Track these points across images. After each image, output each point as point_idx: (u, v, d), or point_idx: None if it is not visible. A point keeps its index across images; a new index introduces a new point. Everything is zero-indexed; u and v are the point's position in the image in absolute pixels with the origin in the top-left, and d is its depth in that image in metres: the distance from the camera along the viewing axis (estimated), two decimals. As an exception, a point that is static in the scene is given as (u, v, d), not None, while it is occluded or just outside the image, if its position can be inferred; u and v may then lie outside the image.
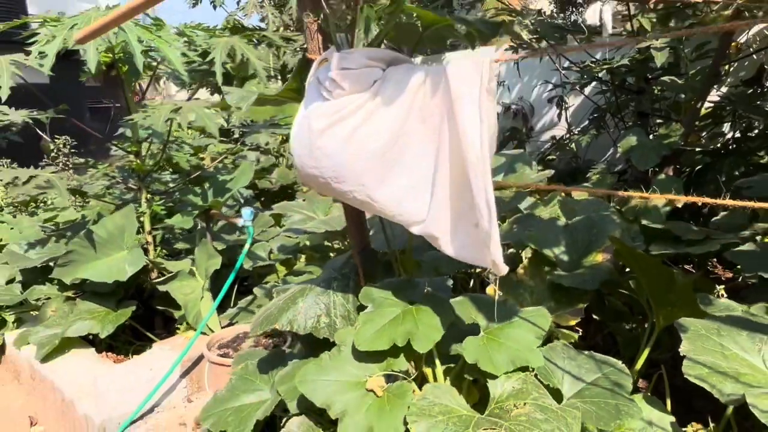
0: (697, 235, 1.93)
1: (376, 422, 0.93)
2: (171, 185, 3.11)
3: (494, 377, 0.98)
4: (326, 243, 2.81)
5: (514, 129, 5.50)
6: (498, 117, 5.55)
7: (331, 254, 2.71)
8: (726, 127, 3.37)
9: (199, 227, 2.96)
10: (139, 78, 2.86)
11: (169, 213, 3.06)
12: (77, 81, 3.02)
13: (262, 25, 6.85)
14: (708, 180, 2.68)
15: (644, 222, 2.12)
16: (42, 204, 5.11)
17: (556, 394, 1.05)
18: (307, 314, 1.19)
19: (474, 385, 1.06)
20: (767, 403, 0.94)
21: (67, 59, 2.88)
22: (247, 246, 2.23)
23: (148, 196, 3.15)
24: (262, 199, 4.26)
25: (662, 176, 2.78)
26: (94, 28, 2.01)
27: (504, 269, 0.86)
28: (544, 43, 3.31)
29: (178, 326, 2.92)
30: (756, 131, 3.08)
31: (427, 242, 1.13)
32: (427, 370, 1.11)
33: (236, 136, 5.16)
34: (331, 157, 0.89)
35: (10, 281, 3.16)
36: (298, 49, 5.67)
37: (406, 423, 0.92)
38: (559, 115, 5.00)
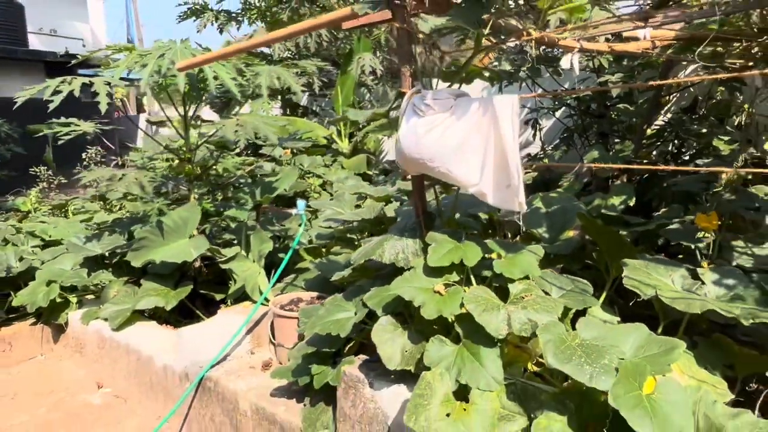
0: (641, 221, 2.66)
1: (443, 306, 1.57)
2: (217, 187, 3.71)
3: (512, 281, 1.63)
4: (348, 235, 3.44)
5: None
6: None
7: (356, 243, 3.33)
8: (670, 145, 4.16)
9: (243, 220, 3.56)
10: (200, 101, 3.45)
11: (216, 210, 3.65)
12: (77, 98, 3.18)
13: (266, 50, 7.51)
14: (653, 184, 3.43)
15: (603, 212, 2.84)
16: (67, 209, 5.60)
17: (547, 295, 1.71)
18: (390, 252, 1.83)
19: (497, 290, 1.71)
20: (670, 293, 1.63)
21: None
22: (300, 229, 2.85)
23: (196, 195, 3.75)
24: (277, 203, 4.86)
25: (618, 182, 3.53)
26: (196, 62, 2.64)
27: (525, 207, 1.51)
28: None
29: (220, 305, 3.50)
30: (693, 149, 3.88)
31: (461, 209, 1.80)
32: (468, 283, 1.76)
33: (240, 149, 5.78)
34: (429, 148, 1.55)
35: (75, 267, 3.68)
36: (299, 72, 6.34)
37: (461, 306, 1.56)
38: (534, 135, 5.78)
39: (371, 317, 1.87)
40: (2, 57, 10.41)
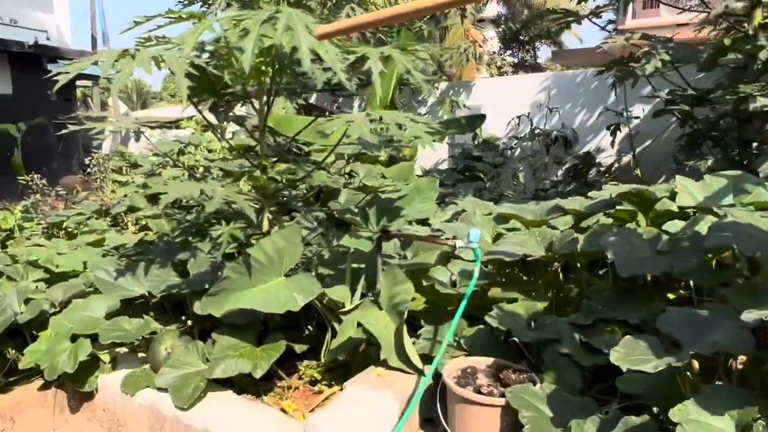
0: None
1: None
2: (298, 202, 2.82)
3: None
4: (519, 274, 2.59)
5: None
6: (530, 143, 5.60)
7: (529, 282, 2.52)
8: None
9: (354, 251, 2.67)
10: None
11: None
12: (43, 94, 2.61)
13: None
14: None
15: None
16: (66, 227, 4.53)
17: None
18: None
19: None
20: None
21: (34, 71, 2.52)
22: (476, 272, 2.01)
23: (270, 215, 2.85)
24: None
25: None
26: (337, 28, 1.80)
27: None
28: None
29: (302, 360, 2.63)
30: None
31: None
32: None
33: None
34: None
35: (112, 314, 2.70)
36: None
37: None
38: (613, 143, 5.11)
39: None
40: (-41, 46, 9.06)
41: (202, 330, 2.74)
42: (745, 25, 3.44)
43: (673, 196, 2.35)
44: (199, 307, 2.44)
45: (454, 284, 2.44)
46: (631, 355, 1.45)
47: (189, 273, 2.83)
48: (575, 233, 2.24)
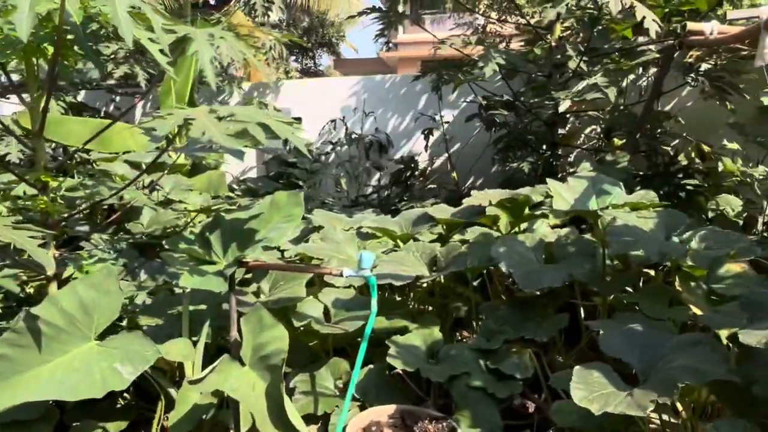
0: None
1: None
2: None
3: None
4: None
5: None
6: (346, 148, 5.46)
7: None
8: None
9: (184, 291, 2.04)
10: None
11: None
12: None
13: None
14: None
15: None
16: None
17: None
18: None
19: None
20: None
21: None
22: (374, 306, 1.63)
23: (58, 252, 2.04)
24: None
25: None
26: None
27: None
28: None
29: None
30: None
31: None
32: None
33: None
34: None
35: None
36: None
37: None
38: (426, 146, 5.21)
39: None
40: None
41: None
42: (548, 37, 3.75)
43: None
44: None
45: (327, 317, 2.01)
46: (593, 392, 1.24)
47: None
48: (461, 247, 2.01)
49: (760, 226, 3.18)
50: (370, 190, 5.58)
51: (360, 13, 3.92)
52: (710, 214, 3.50)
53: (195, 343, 1.97)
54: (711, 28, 2.44)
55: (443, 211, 2.41)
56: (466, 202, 2.34)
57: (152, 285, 2.34)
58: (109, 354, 1.62)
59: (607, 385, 1.27)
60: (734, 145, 3.85)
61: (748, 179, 3.55)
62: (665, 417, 1.63)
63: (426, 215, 2.39)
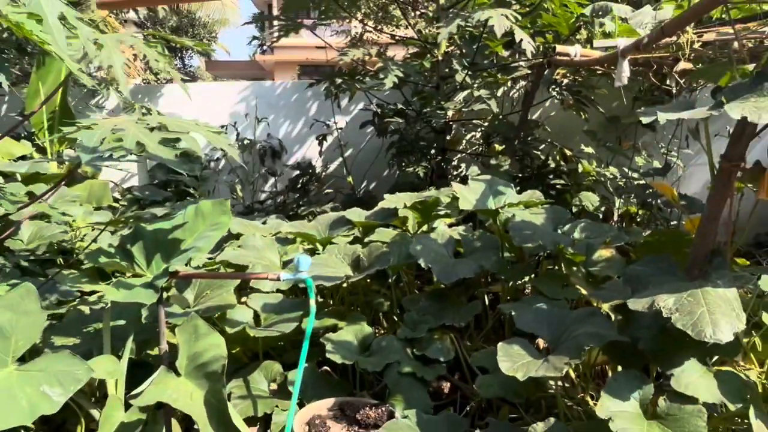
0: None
1: None
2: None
3: None
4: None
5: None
6: (240, 154, 5.40)
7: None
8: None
9: (91, 309, 1.95)
10: None
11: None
12: None
13: None
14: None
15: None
16: None
17: None
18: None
19: None
20: None
21: None
22: (312, 307, 1.72)
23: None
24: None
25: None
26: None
27: None
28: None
29: None
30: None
31: None
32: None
33: None
34: None
35: None
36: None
37: None
38: (320, 152, 5.31)
39: None
40: None
41: None
42: (435, 51, 4.08)
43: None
44: None
45: (257, 321, 2.06)
46: (516, 362, 1.47)
47: None
48: (383, 247, 2.18)
49: (615, 218, 3.76)
50: (263, 196, 5.54)
51: (259, 18, 3.92)
52: (574, 209, 4.05)
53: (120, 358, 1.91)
54: (575, 51, 2.88)
55: (358, 214, 2.56)
56: (380, 205, 2.52)
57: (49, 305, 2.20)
58: (33, 377, 1.54)
59: (526, 356, 1.51)
60: (590, 149, 4.49)
61: (601, 178, 4.18)
62: (560, 383, 1.94)
63: (342, 218, 2.52)
